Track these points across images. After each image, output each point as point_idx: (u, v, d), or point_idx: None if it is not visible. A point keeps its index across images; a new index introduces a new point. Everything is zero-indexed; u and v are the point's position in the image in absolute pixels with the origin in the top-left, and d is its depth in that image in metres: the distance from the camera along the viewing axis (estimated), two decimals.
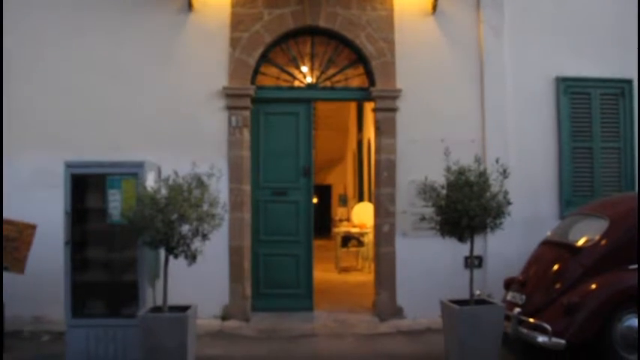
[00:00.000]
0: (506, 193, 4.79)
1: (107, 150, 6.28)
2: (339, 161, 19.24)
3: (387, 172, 6.93)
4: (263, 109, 7.11)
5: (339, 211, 17.76)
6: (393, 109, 6.97)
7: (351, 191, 17.51)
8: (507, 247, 6.62)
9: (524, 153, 6.98)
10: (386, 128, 6.97)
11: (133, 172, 5.23)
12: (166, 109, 6.79)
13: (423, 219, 4.93)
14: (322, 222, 20.19)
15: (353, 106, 15.08)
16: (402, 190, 6.92)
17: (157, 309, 4.78)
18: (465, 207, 4.57)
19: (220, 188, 5.47)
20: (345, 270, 10.80)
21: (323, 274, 10.10)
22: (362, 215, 10.88)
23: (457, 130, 6.95)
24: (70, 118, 6.70)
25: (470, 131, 7.01)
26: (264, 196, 7.10)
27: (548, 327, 4.81)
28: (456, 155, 5.29)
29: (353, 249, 10.93)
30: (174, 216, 4.54)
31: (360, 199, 13.96)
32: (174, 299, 4.98)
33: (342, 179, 19.32)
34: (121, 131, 6.72)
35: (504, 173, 4.80)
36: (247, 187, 6.91)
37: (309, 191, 7.15)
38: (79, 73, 6.77)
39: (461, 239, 4.88)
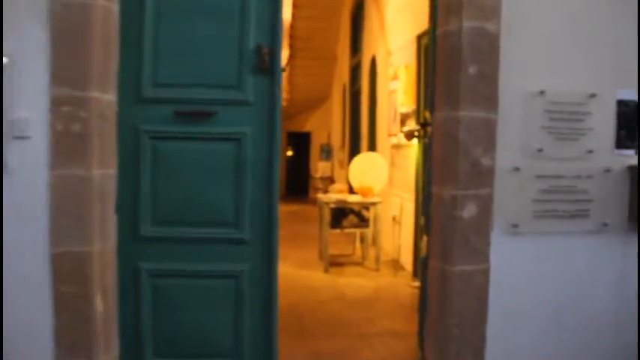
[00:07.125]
0: None
1: None
2: (322, 101, 14.83)
3: (474, 66, 2.67)
4: None
5: (320, 167, 13.83)
6: None
7: (337, 140, 13.23)
8: None
9: None
10: None
11: None
12: None
13: None
14: (299, 181, 16.13)
15: (345, 19, 10.90)
16: (510, 115, 2.73)
17: None
18: None
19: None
20: (337, 264, 6.53)
21: (297, 271, 6.03)
22: (365, 174, 6.61)
23: None
24: None
25: None
26: (156, 123, 2.73)
27: None
28: None
29: (350, 230, 6.60)
30: None
31: (354, 151, 9.70)
32: None
33: (325, 125, 14.99)
34: None
35: None
36: (109, 98, 2.57)
37: (271, 110, 2.79)
38: None
39: None
